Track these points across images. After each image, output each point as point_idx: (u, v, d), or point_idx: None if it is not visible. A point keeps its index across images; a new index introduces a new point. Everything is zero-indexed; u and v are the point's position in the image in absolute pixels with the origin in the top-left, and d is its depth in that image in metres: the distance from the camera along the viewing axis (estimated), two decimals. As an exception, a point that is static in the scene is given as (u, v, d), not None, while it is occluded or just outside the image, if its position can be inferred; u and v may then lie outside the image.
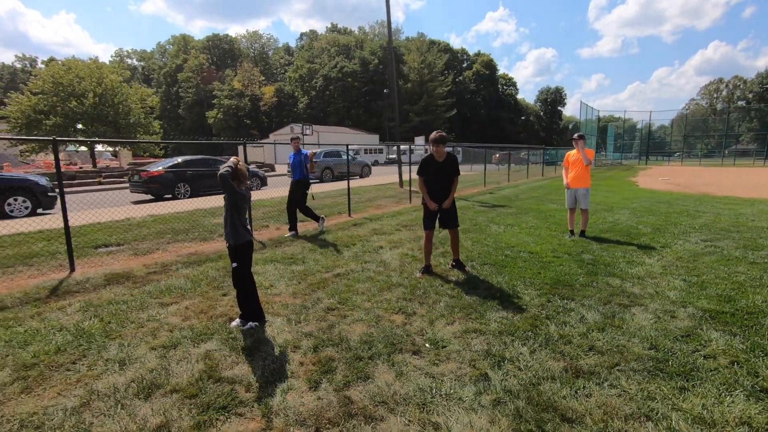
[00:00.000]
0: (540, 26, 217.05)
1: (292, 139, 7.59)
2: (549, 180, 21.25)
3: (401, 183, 17.08)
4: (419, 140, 18.67)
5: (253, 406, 2.48)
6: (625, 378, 2.71)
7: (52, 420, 2.39)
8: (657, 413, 2.36)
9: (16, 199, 9.90)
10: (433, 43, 71.27)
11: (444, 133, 4.85)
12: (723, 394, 2.52)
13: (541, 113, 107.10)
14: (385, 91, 52.38)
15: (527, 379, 2.72)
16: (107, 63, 26.29)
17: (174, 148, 49.34)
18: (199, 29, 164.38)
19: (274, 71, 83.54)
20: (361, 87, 64.40)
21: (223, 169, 3.35)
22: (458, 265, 5.24)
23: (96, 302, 4.28)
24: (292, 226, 7.56)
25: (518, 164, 31.04)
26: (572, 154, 7.00)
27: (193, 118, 72.10)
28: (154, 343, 3.33)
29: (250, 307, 3.64)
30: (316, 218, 7.85)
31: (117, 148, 33.15)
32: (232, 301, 4.26)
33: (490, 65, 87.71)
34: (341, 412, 2.42)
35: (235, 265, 3.54)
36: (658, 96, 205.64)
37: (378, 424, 2.32)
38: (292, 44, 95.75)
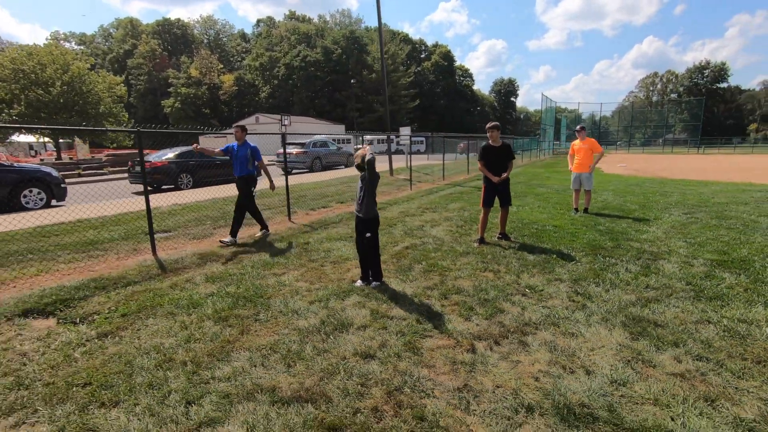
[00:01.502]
0: (491, 18, 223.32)
1: (238, 127, 6.51)
2: (521, 168, 22.91)
3: (391, 172, 17.93)
4: (405, 130, 19.54)
5: (435, 332, 3.33)
6: (680, 302, 3.81)
7: (291, 345, 3.12)
8: (712, 319, 3.46)
9: (31, 191, 9.80)
10: (394, 33, 71.94)
11: (498, 123, 5.82)
12: (748, 307, 3.67)
13: (496, 104, 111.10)
14: (352, 81, 52.55)
15: (615, 306, 3.75)
16: (41, 46, 24.39)
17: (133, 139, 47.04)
18: (137, 11, 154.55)
19: (231, 59, 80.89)
20: (324, 77, 64.07)
21: (369, 155, 4.10)
22: (504, 236, 6.24)
23: (214, 275, 4.87)
24: (234, 231, 6.36)
25: (443, 154, 32.67)
26: (577, 143, 8.20)
27: (146, 107, 68.55)
28: (308, 299, 4.06)
29: (375, 269, 4.43)
30: (264, 224, 6.83)
31: (73, 140, 31.41)
32: (335, 268, 5.03)
33: (448, 56, 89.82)
34: (501, 330, 3.33)
35: (369, 234, 4.31)
36: (600, 87, 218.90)
37: (533, 336, 3.25)
38: (247, 30, 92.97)
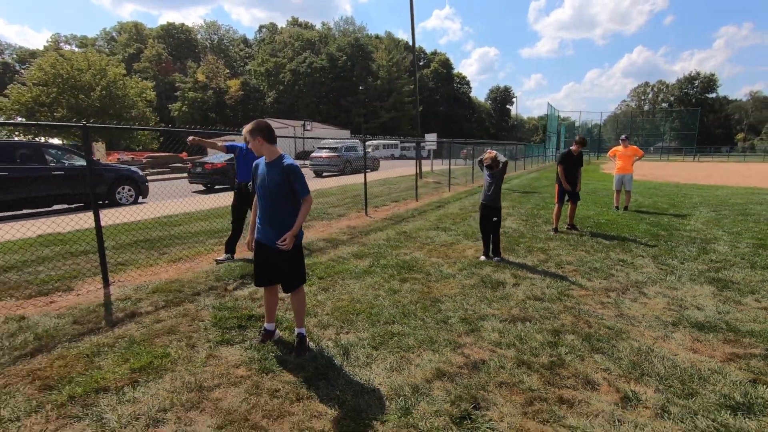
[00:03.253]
0: (484, 26, 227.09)
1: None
2: (537, 173, 24.29)
3: (420, 176, 19.14)
4: (431, 137, 20.83)
5: (574, 287, 4.51)
6: (741, 270, 5.05)
7: (473, 294, 4.28)
8: (771, 279, 4.70)
9: (123, 188, 10.83)
10: (397, 42, 73.54)
11: (585, 138, 7.09)
12: (794, 273, 4.93)
13: (492, 111, 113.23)
14: (360, 87, 53.78)
15: (695, 272, 4.97)
16: (78, 51, 25.45)
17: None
18: (129, 14, 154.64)
19: (234, 63, 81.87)
20: (329, 83, 65.35)
21: (503, 157, 5.31)
22: (573, 227, 7.46)
23: (356, 253, 5.99)
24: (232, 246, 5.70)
25: (472, 160, 34.10)
26: (619, 149, 9.49)
27: (151, 110, 69.16)
28: (453, 269, 5.22)
29: (496, 247, 5.62)
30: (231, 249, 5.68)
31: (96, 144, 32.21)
32: (450, 249, 6.20)
33: (447, 64, 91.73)
34: (620, 286, 4.52)
35: (495, 219, 5.50)
36: (590, 95, 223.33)
37: (646, 290, 4.45)
38: (248, 35, 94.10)
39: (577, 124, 78.81)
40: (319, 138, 22.10)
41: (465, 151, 37.58)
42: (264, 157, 3.11)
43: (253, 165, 3.23)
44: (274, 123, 49.38)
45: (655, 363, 2.91)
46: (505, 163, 5.37)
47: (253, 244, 3.24)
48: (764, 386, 2.61)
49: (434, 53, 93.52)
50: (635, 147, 9.38)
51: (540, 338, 3.30)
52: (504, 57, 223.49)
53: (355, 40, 68.72)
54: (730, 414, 2.35)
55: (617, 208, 9.65)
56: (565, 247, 6.24)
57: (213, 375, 2.81)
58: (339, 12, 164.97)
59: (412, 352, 3.10)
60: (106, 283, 4.67)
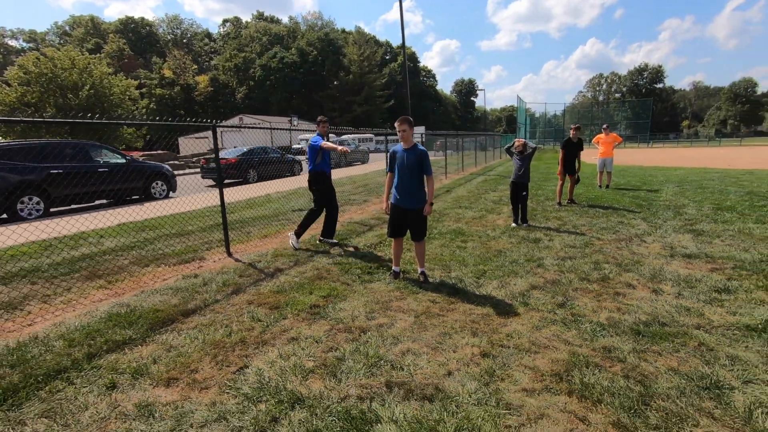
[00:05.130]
0: (444, 18, 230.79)
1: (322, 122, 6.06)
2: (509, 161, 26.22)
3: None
4: (418, 129, 22.23)
5: (594, 239, 6.03)
6: (708, 224, 6.74)
7: (524, 247, 5.72)
8: (728, 229, 6.39)
9: (157, 183, 11.58)
10: (367, 37, 74.35)
11: (579, 125, 8.65)
12: (744, 224, 6.66)
13: (457, 103, 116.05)
14: (336, 83, 54.38)
15: (677, 227, 6.62)
16: (59, 50, 24.57)
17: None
18: (71, 5, 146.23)
19: (199, 59, 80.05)
20: (301, 78, 65.46)
21: (532, 145, 6.75)
22: (572, 201, 9.07)
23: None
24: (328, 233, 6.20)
25: (459, 150, 35.99)
26: (601, 136, 11.23)
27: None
28: (495, 233, 6.64)
29: (524, 215, 7.08)
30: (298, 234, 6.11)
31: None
32: (482, 221, 7.62)
33: (413, 57, 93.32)
34: (626, 237, 6.08)
35: (524, 193, 6.95)
36: (548, 87, 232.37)
37: (644, 239, 6.02)
38: (204, 28, 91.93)
39: (537, 115, 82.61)
40: (299, 130, 23.01)
41: (439, 142, 39.35)
42: (402, 145, 4.37)
43: (391, 151, 4.48)
44: (250, 119, 49.30)
45: (666, 274, 4.44)
46: (534, 149, 6.83)
47: (389, 208, 4.51)
48: (735, 281, 4.17)
49: (400, 46, 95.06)
50: (615, 134, 11.15)
51: (587, 267, 4.77)
52: (464, 49, 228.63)
53: (324, 35, 69.03)
54: (718, 294, 3.88)
55: (600, 186, 11.42)
56: (573, 215, 7.82)
57: (381, 296, 4.08)
58: (300, 5, 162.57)
59: (506, 279, 4.48)
60: (229, 253, 5.77)
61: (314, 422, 2.24)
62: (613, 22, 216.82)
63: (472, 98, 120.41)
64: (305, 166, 22.39)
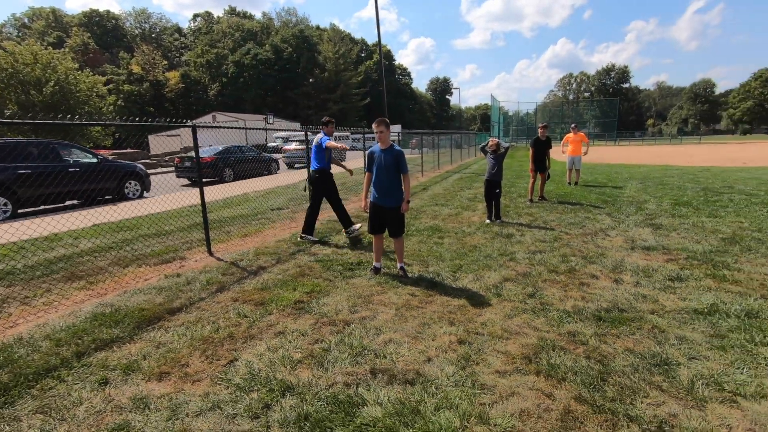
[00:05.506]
0: (418, 16, 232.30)
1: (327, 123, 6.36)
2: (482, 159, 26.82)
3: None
4: (395, 127, 22.42)
5: (562, 234, 6.38)
6: (666, 218, 7.22)
7: (498, 242, 6.00)
8: (684, 222, 6.88)
9: (131, 183, 11.37)
10: (342, 34, 74.00)
11: (548, 123, 9.03)
12: (698, 217, 7.17)
13: (433, 102, 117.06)
14: (311, 80, 54.00)
15: (638, 221, 7.06)
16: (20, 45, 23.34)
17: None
18: None
19: (169, 54, 77.83)
20: (275, 75, 64.62)
21: (505, 143, 7.04)
22: (543, 198, 9.48)
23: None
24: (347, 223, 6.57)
25: (435, 148, 36.52)
26: (571, 135, 11.72)
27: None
28: (470, 229, 6.92)
29: (498, 212, 7.39)
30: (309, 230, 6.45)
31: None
32: (458, 218, 7.90)
33: (388, 55, 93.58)
34: (592, 232, 6.46)
35: (498, 191, 7.25)
36: (521, 86, 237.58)
37: (609, 233, 6.42)
38: (174, 22, 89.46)
39: (511, 113, 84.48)
40: (274, 129, 22.85)
41: (414, 141, 39.72)
42: (379, 145, 4.55)
43: (369, 151, 4.65)
44: (223, 117, 48.41)
45: (626, 265, 4.79)
46: (507, 148, 7.13)
47: (368, 206, 4.69)
48: (687, 270, 4.55)
49: (376, 44, 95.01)
50: (582, 134, 11.66)
51: (555, 260, 5.08)
52: (439, 47, 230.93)
53: (299, 31, 68.33)
54: (671, 282, 4.24)
55: (570, 183, 11.92)
56: (543, 211, 8.19)
57: (363, 290, 4.26)
58: (273, 0, 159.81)
59: (480, 272, 4.74)
60: (210, 252, 5.82)
61: (305, 407, 2.41)
62: (582, 23, 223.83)
63: (447, 96, 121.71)
64: (282, 165, 22.10)
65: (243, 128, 8.20)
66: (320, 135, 6.35)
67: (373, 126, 4.49)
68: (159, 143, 43.33)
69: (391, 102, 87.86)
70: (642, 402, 2.39)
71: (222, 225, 7.58)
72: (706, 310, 3.55)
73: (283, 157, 21.78)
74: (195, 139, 5.72)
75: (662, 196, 9.42)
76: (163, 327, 3.52)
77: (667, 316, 3.47)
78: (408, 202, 4.58)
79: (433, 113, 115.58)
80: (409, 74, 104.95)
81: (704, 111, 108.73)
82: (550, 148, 9.22)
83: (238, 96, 63.98)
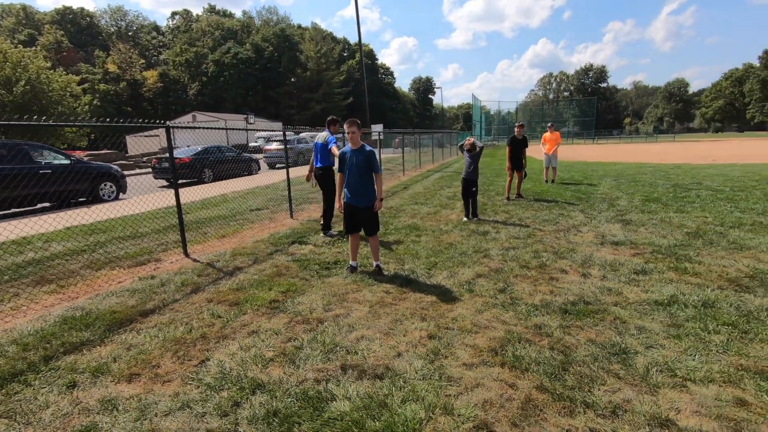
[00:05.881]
0: (401, 16, 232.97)
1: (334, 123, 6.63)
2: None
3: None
4: (377, 127, 22.50)
5: (536, 230, 6.54)
6: (635, 214, 7.46)
7: (473, 239, 6.12)
8: (652, 218, 7.12)
9: (105, 185, 11.14)
10: (324, 34, 73.66)
11: (523, 123, 9.20)
12: (666, 213, 7.43)
13: (416, 101, 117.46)
14: (293, 79, 53.59)
15: (609, 217, 7.27)
16: None
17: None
18: None
19: (147, 53, 76.18)
20: (256, 74, 63.92)
21: (479, 144, 7.17)
22: (520, 196, 9.66)
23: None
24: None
25: (417, 148, 36.74)
26: (547, 135, 11.96)
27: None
28: (448, 227, 7.02)
29: (474, 210, 7.52)
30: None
31: None
32: (437, 216, 8.01)
33: (371, 55, 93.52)
34: (565, 227, 6.63)
35: (474, 189, 7.37)
36: (502, 85, 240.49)
37: (581, 229, 6.60)
38: (151, 20, 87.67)
39: (492, 112, 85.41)
40: (255, 130, 22.67)
41: (397, 140, 39.85)
42: (350, 146, 4.60)
43: (341, 152, 4.69)
44: (203, 117, 47.70)
45: (595, 260, 4.95)
46: (482, 148, 7.26)
47: (343, 206, 4.72)
48: (651, 264, 4.73)
49: (358, 44, 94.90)
50: (558, 133, 11.93)
51: (527, 256, 5.22)
52: (422, 47, 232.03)
53: (280, 30, 67.73)
54: (636, 275, 4.41)
55: (547, 181, 12.17)
56: (519, 208, 8.36)
57: (338, 289, 4.30)
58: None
59: (454, 269, 4.83)
60: (186, 254, 5.78)
61: (274, 404, 2.44)
62: (562, 24, 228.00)
63: (429, 96, 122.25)
64: (264, 165, 21.90)
65: (219, 128, 8.13)
66: (326, 134, 6.56)
67: (345, 127, 4.54)
68: (137, 144, 42.40)
69: (373, 101, 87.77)
70: (599, 389, 2.50)
71: (200, 226, 7.52)
72: (666, 301, 3.71)
73: (264, 157, 21.62)
74: (169, 139, 5.65)
75: (634, 193, 9.71)
76: (135, 329, 3.50)
77: (629, 308, 3.62)
78: (381, 200, 4.65)
79: (416, 112, 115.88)
80: (391, 74, 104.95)
81: (678, 110, 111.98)
82: (527, 146, 9.41)
83: (219, 95, 63.08)
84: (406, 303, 3.90)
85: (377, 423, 2.25)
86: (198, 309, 3.89)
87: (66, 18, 71.14)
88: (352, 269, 4.84)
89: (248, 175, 17.50)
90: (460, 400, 2.44)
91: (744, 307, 3.55)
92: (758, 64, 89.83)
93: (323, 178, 6.67)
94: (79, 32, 71.15)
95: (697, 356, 2.82)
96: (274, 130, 11.57)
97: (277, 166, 21.93)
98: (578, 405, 2.36)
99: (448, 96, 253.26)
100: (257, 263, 5.30)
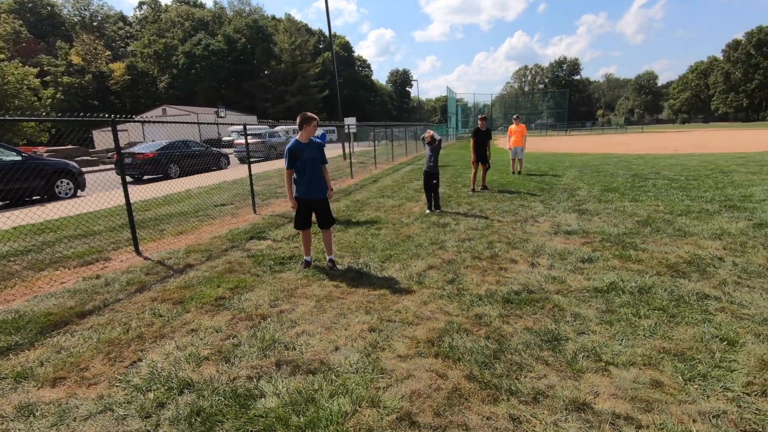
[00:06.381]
0: (378, 6, 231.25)
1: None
2: (446, 150, 27.25)
3: (345, 157, 20.67)
4: (349, 120, 22.31)
5: (494, 220, 6.63)
6: (592, 204, 7.65)
7: (431, 232, 6.16)
8: (608, 207, 7.31)
9: (62, 182, 10.72)
10: (298, 25, 72.40)
11: (486, 115, 9.27)
12: (621, 202, 7.64)
13: (393, 93, 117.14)
14: (266, 72, 52.57)
15: (567, 207, 7.43)
16: None
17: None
18: None
19: (113, 44, 73.32)
20: (229, 66, 62.45)
21: (438, 135, 7.19)
22: (485, 187, 9.78)
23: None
24: None
25: (390, 141, 36.76)
26: (513, 128, 12.11)
27: (12, 98, 59.43)
28: (409, 219, 7.05)
29: (437, 202, 7.56)
30: None
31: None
32: (400, 209, 8.03)
33: (347, 47, 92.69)
34: (523, 218, 6.74)
35: (435, 181, 7.41)
36: (480, 78, 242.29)
37: (538, 219, 6.73)
38: (117, 10, 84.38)
39: (470, 104, 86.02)
40: (227, 124, 22.20)
41: (372, 133, 39.72)
42: (299, 140, 4.53)
43: (289, 148, 4.58)
44: (174, 110, 46.42)
45: (546, 249, 5.05)
46: (440, 140, 7.30)
47: (297, 203, 4.64)
48: (598, 252, 4.86)
49: (334, 36, 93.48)
50: (524, 125, 12.09)
51: (481, 246, 5.28)
52: (399, 39, 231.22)
53: (253, 21, 66.22)
54: (582, 263, 4.52)
55: (513, 172, 12.34)
56: (483, 200, 8.46)
57: (288, 284, 4.26)
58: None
59: (408, 262, 4.85)
60: (138, 252, 5.62)
61: (200, 403, 2.40)
62: (537, 16, 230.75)
63: (407, 88, 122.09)
64: (234, 160, 21.45)
65: (179, 122, 7.91)
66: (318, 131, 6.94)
67: (298, 120, 4.49)
68: (104, 138, 40.90)
69: (351, 94, 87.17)
70: (526, 377, 2.55)
71: (158, 223, 7.33)
72: (605, 288, 3.81)
73: (235, 151, 21.20)
74: (115, 135, 5.46)
75: (594, 183, 9.95)
76: (69, 331, 3.39)
77: (570, 296, 3.71)
78: (331, 189, 4.68)
79: (394, 105, 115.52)
80: (369, 66, 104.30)
81: (648, 101, 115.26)
82: (491, 138, 9.50)
83: (190, 88, 61.40)
84: (354, 297, 3.90)
85: (302, 418, 2.24)
86: (140, 308, 3.79)
87: (25, 7, 67.67)
88: (307, 264, 4.80)
89: (218, 170, 17.13)
90: (389, 392, 2.46)
91: (677, 291, 3.68)
92: (722, 57, 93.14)
93: None
94: (40, 22, 67.91)
95: (624, 341, 2.91)
96: (246, 124, 11.32)
97: (252, 160, 21.52)
98: (503, 393, 2.40)
99: (427, 88, 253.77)
100: (210, 260, 5.20)
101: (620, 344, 2.86)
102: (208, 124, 8.38)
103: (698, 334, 2.94)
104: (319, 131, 6.74)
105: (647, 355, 2.71)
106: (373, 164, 16.97)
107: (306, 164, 4.53)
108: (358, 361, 2.78)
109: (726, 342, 2.82)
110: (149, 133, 42.21)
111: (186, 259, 5.24)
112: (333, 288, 4.11)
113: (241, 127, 24.05)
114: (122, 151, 14.19)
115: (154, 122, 6.40)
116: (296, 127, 6.84)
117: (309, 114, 4.60)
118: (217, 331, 3.30)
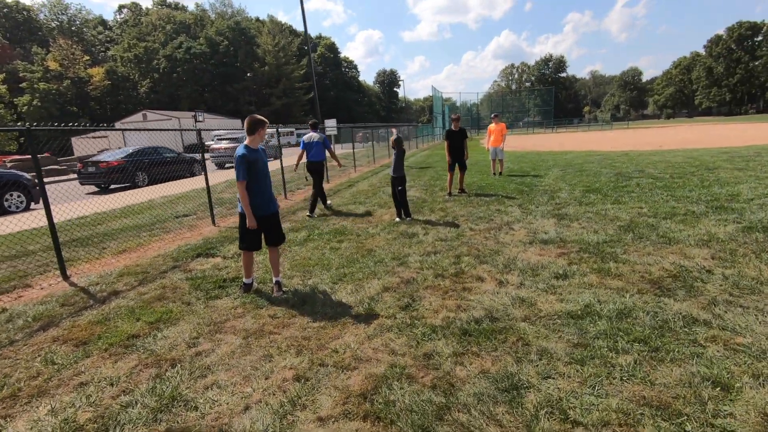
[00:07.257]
0: (366, 8, 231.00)
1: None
2: (429, 150, 26.82)
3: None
4: (330, 122, 21.72)
5: (465, 230, 6.11)
6: (573, 207, 7.17)
7: (396, 244, 5.62)
8: (589, 210, 6.84)
9: (12, 195, 10.00)
10: (282, 26, 71.57)
11: (459, 114, 8.76)
12: (603, 205, 7.18)
13: (381, 94, 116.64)
14: (248, 75, 51.75)
15: (545, 212, 6.95)
16: None
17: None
18: None
19: (93, 49, 71.73)
20: (212, 70, 61.40)
21: (397, 135, 6.66)
22: (462, 191, 9.27)
23: (296, 225, 6.97)
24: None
25: (372, 142, 36.28)
26: (492, 127, 11.63)
27: (-13, 105, 57.64)
28: (376, 229, 6.50)
29: (406, 210, 7.03)
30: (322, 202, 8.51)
31: None
32: (372, 218, 7.49)
33: (333, 48, 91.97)
34: (497, 226, 6.24)
35: (400, 188, 6.88)
36: (468, 77, 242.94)
37: (513, 226, 6.23)
38: (96, 14, 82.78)
39: (458, 103, 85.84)
40: (209, 129, 21.53)
41: (360, 134, 39.19)
42: (251, 146, 3.96)
43: (241, 155, 3.91)
44: (155, 116, 45.43)
45: (517, 263, 4.54)
46: (397, 140, 6.79)
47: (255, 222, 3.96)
48: (575, 265, 4.36)
49: (320, 37, 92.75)
50: (503, 124, 11.62)
51: (447, 261, 4.75)
52: (388, 40, 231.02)
53: (235, 23, 65.21)
54: (556, 280, 4.01)
55: (494, 174, 11.87)
56: (458, 205, 7.95)
57: (219, 315, 3.69)
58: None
59: (363, 282, 4.30)
60: (65, 276, 5.00)
61: (44, 502, 1.83)
62: (523, 15, 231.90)
63: (395, 89, 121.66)
64: (211, 165, 20.69)
65: (146, 129, 7.31)
66: (317, 134, 8.36)
67: (248, 123, 3.97)
68: (85, 146, 39.79)
69: (337, 95, 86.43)
70: (472, 446, 2.02)
71: (104, 239, 6.70)
72: (579, 312, 3.30)
73: (212, 156, 20.50)
74: (32, 145, 4.84)
75: (576, 184, 9.50)
76: (-67, 388, 2.78)
77: (538, 323, 3.19)
78: None
79: (382, 106, 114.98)
80: (355, 67, 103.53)
81: (633, 97, 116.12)
82: (466, 138, 9.00)
83: (173, 92, 60.24)
84: (290, 330, 3.34)
85: None
86: (34, 353, 3.19)
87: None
88: (246, 288, 4.23)
89: (191, 176, 16.42)
90: (294, 476, 1.91)
91: (661, 315, 3.19)
92: (704, 53, 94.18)
93: (316, 170, 8.24)
94: (15, 27, 66.21)
95: (597, 388, 2.39)
96: (227, 129, 10.72)
97: (227, 165, 20.87)
98: (438, 474, 1.87)
99: (416, 88, 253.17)
100: (143, 284, 4.61)
101: (592, 393, 2.34)
102: (170, 130, 7.79)
103: (686, 376, 2.43)
104: (315, 134, 8.35)
105: (623, 410, 2.20)
106: (352, 167, 16.41)
107: (261, 173, 3.98)
108: (267, 427, 2.23)
109: (719, 387, 2.32)
110: (130, 140, 41.23)
111: (115, 285, 4.64)
112: (268, 319, 3.55)
113: (224, 131, 23.22)
114: (84, 161, 13.46)
115: (104, 130, 5.78)
116: (287, 129, 6.17)
117: (259, 117, 4.05)
118: (112, 384, 2.72)
